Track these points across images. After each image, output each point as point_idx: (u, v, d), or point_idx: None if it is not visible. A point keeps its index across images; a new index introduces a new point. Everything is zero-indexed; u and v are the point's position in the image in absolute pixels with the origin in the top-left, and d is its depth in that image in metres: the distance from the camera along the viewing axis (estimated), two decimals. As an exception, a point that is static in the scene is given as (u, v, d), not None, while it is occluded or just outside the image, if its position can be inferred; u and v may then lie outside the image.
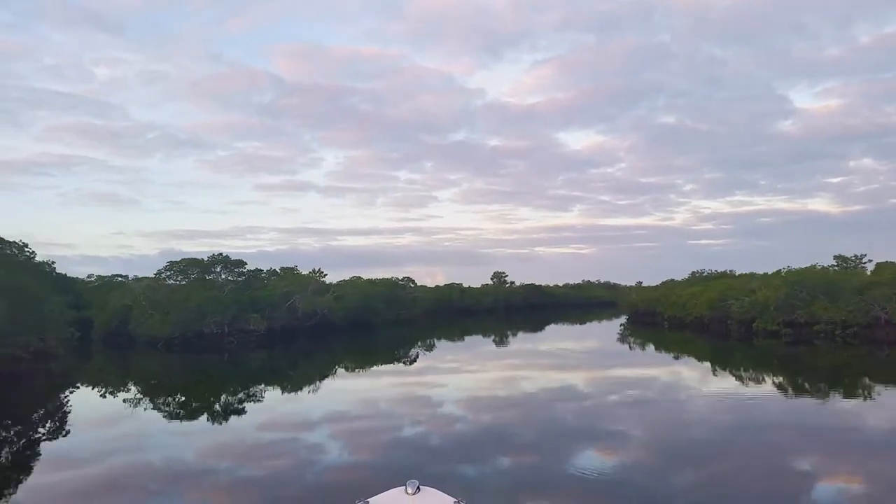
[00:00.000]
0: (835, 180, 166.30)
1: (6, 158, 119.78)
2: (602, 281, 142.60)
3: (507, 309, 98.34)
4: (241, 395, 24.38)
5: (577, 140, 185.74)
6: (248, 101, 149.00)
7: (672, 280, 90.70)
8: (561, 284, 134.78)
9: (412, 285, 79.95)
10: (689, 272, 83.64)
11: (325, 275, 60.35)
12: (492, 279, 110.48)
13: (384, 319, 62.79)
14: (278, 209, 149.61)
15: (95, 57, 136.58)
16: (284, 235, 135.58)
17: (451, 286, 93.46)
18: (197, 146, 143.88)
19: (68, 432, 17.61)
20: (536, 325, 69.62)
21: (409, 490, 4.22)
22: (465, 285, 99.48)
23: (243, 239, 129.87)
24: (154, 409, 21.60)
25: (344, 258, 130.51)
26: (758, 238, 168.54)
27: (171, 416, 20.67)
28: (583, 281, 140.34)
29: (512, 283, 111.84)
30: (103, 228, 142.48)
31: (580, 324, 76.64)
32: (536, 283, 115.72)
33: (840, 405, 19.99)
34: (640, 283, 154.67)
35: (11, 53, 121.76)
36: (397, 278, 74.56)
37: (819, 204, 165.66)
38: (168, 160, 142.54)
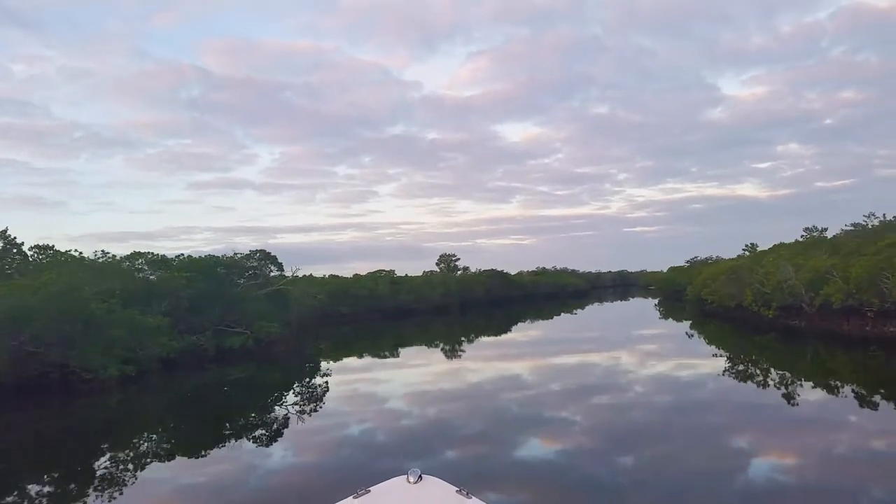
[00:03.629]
0: (762, 165, 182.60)
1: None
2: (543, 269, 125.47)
3: (463, 305, 76.17)
4: None
5: (515, 132, 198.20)
6: (177, 97, 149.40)
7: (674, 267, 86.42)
8: (523, 272, 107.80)
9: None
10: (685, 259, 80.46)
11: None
12: (438, 265, 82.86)
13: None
14: (212, 208, 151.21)
15: (12, 54, 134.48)
16: (220, 235, 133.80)
17: (375, 275, 65.77)
18: (125, 145, 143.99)
19: None
20: (547, 341, 48.60)
21: (411, 479, 3.94)
22: (403, 274, 71.75)
23: (177, 240, 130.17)
24: None
25: (283, 256, 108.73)
26: (690, 224, 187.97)
27: None
28: (537, 268, 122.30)
29: (465, 269, 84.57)
30: (29, 233, 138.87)
31: (605, 323, 57.20)
32: (498, 269, 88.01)
33: None
34: (644, 270, 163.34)
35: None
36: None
37: (748, 189, 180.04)
38: (95, 160, 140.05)
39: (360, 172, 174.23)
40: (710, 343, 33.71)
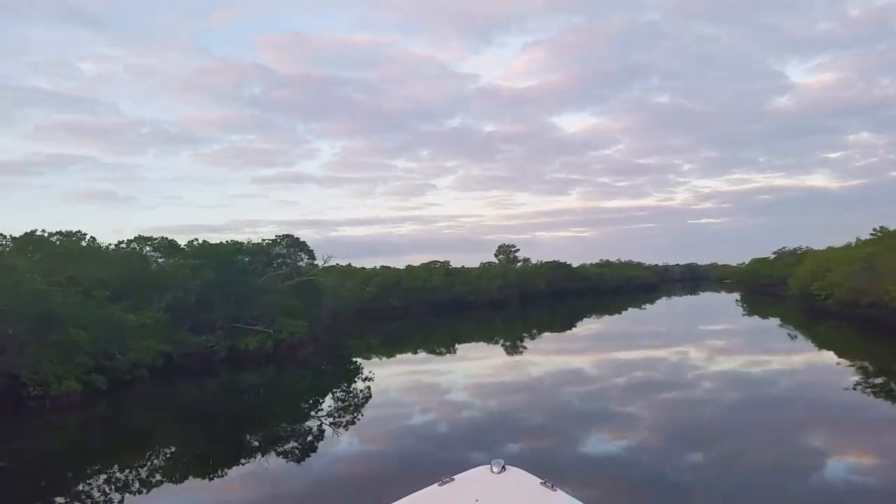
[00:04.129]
0: (833, 155, 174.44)
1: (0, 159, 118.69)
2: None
3: (523, 299, 69.74)
4: None
5: (572, 123, 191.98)
6: (239, 94, 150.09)
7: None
8: (585, 265, 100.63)
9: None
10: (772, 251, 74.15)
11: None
12: (497, 256, 76.88)
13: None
14: (276, 202, 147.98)
15: (81, 54, 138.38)
16: (284, 228, 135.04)
17: (429, 266, 60.40)
18: (191, 141, 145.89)
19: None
20: (622, 335, 39.66)
21: (495, 469, 3.79)
22: (456, 264, 66.30)
23: (242, 233, 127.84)
24: None
25: (345, 249, 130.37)
26: (758, 215, 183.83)
27: None
28: (601, 260, 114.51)
29: (525, 260, 78.14)
30: (101, 227, 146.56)
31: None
32: (561, 261, 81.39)
33: None
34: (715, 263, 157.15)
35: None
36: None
37: (818, 179, 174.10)
38: (162, 156, 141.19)
39: (418, 166, 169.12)
40: (823, 347, 27.39)
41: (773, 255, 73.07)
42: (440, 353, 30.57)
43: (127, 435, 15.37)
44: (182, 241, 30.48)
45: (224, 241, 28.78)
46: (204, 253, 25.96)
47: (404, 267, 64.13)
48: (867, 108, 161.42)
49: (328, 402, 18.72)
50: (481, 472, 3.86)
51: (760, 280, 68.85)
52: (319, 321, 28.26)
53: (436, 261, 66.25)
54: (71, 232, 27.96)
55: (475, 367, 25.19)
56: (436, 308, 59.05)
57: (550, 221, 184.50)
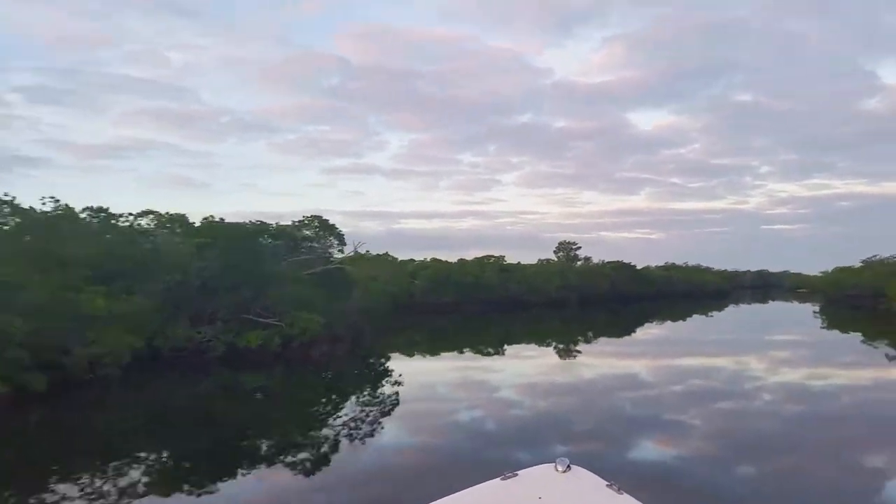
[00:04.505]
0: None
1: (89, 142, 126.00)
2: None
3: (582, 299, 64.53)
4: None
5: (648, 120, 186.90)
6: (317, 84, 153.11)
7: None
8: (650, 267, 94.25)
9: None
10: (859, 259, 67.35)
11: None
12: (556, 253, 71.97)
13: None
14: (344, 192, 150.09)
15: (171, 43, 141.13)
16: (349, 218, 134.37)
17: (483, 261, 56.14)
18: (267, 130, 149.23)
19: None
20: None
21: (560, 467, 3.74)
22: (515, 261, 61.79)
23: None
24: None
25: (407, 241, 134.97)
26: (835, 224, 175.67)
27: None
28: (666, 263, 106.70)
29: (587, 259, 73.05)
30: (178, 211, 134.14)
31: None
32: (626, 262, 75.86)
33: None
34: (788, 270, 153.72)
35: (94, 41, 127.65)
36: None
37: None
38: (240, 144, 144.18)
39: (484, 160, 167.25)
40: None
41: (861, 264, 65.71)
42: (488, 354, 27.81)
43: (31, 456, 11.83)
44: None
45: (248, 222, 25.51)
46: (212, 232, 22.48)
47: (456, 260, 60.24)
48: None
49: (332, 422, 14.76)
50: (546, 469, 3.79)
51: (846, 290, 61.59)
52: (345, 316, 24.43)
53: (490, 255, 61.99)
54: (100, 208, 25.19)
55: (525, 368, 23.31)
56: (489, 305, 54.85)
57: (616, 222, 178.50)
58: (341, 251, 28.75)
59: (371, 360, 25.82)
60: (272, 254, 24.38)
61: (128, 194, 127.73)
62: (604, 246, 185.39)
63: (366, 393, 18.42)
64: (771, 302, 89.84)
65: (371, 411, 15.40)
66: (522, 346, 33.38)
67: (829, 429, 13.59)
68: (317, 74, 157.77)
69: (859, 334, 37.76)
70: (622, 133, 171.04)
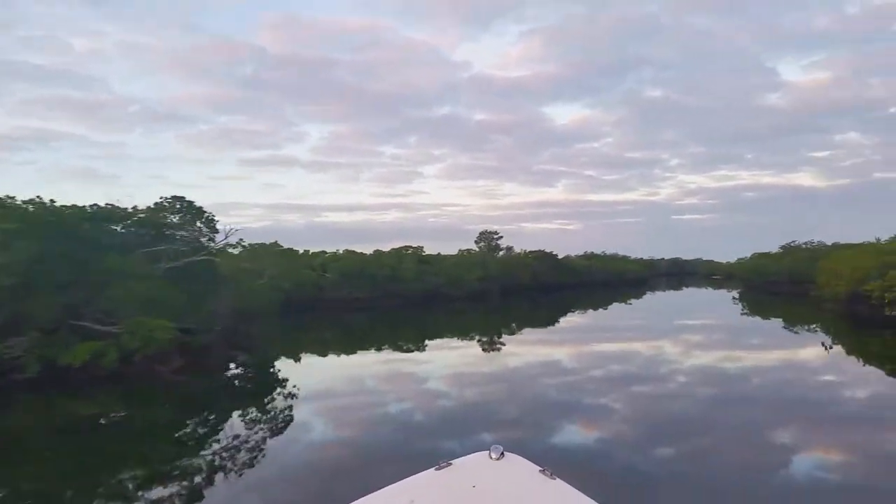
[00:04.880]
0: (820, 154, 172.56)
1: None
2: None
3: (505, 290, 61.15)
4: None
5: (564, 114, 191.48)
6: (231, 73, 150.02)
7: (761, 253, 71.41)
8: (571, 257, 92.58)
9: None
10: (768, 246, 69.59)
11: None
12: (477, 243, 68.63)
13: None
14: (262, 185, 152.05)
15: (74, 28, 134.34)
16: (269, 212, 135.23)
17: (400, 252, 52.25)
18: (178, 120, 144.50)
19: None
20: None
21: (493, 455, 3.79)
22: (435, 252, 57.93)
23: (227, 215, 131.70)
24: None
25: (329, 234, 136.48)
26: (742, 213, 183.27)
27: None
28: (585, 253, 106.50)
29: (509, 249, 69.99)
30: (82, 205, 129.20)
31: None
32: (547, 251, 73.33)
33: None
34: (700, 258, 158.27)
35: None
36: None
37: (804, 178, 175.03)
38: (149, 134, 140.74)
39: (405, 153, 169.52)
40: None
41: (780, 250, 65.41)
42: (409, 350, 25.80)
43: None
44: None
45: (90, 206, 20.20)
46: (27, 217, 17.21)
47: (372, 252, 55.75)
48: (857, 109, 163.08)
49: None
50: (480, 457, 3.82)
51: (767, 277, 60.92)
52: (215, 318, 19.69)
53: (408, 246, 57.89)
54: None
55: (449, 360, 22.22)
56: (407, 300, 50.77)
57: (536, 213, 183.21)
58: (212, 240, 23.72)
59: (259, 367, 21.43)
60: (122, 245, 19.36)
61: (26, 188, 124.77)
62: (525, 237, 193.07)
63: (252, 405, 15.37)
64: (686, 289, 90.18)
65: (257, 426, 13.27)
66: (444, 340, 30.88)
67: (743, 409, 13.76)
68: (230, 63, 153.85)
69: (780, 320, 36.09)
70: (539, 126, 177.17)
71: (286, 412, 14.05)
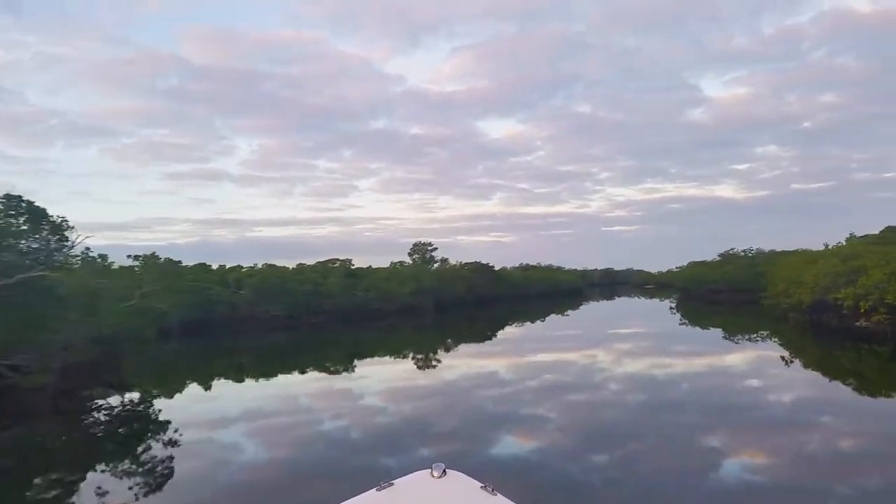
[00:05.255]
0: (741, 167, 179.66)
1: None
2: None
3: (440, 304, 57.11)
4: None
5: (497, 129, 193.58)
6: (155, 85, 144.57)
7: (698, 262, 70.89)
8: (506, 269, 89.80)
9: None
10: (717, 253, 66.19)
11: None
12: (411, 255, 64.57)
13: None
14: (190, 199, 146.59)
15: None
16: (197, 227, 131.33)
17: (325, 266, 47.80)
18: (101, 134, 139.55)
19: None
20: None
21: (435, 473, 3.74)
22: (366, 265, 53.56)
23: (153, 231, 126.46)
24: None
25: (262, 249, 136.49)
26: (667, 224, 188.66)
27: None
28: (521, 265, 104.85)
29: (444, 261, 66.25)
30: None
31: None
32: (484, 263, 69.97)
33: None
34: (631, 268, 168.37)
35: None
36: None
37: (726, 190, 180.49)
38: (71, 149, 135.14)
39: (340, 166, 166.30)
40: None
41: (718, 258, 63.96)
42: (336, 372, 23.57)
43: None
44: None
45: None
46: None
47: (295, 266, 50.83)
48: (775, 123, 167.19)
49: None
50: (422, 476, 3.82)
51: (707, 285, 59.14)
52: (60, 350, 14.75)
53: (336, 259, 53.21)
54: None
55: (383, 381, 20.45)
56: (333, 316, 46.13)
57: (472, 226, 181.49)
58: (58, 252, 18.50)
59: (124, 407, 16.64)
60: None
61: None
62: (461, 250, 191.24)
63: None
64: (618, 298, 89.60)
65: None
66: (375, 359, 28.08)
67: (677, 416, 13.66)
68: (155, 75, 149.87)
69: (720, 330, 33.56)
70: (474, 141, 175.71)
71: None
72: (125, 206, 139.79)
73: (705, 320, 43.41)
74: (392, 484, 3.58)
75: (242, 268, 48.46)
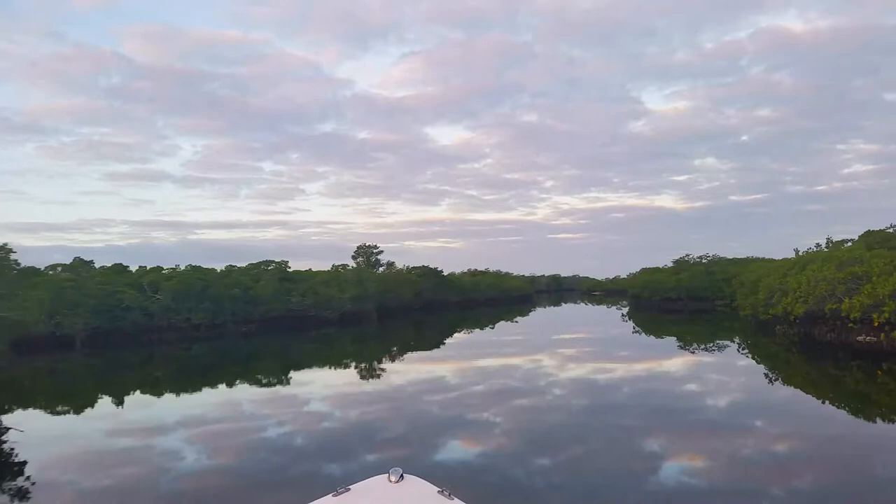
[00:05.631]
0: (680, 178, 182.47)
1: None
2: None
3: (385, 311, 51.65)
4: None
5: (446, 135, 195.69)
6: (95, 83, 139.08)
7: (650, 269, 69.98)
8: (455, 274, 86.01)
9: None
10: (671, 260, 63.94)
11: None
12: (355, 259, 60.11)
13: None
14: (129, 200, 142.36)
15: None
16: (137, 229, 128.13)
17: (258, 268, 43.14)
18: (38, 131, 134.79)
19: None
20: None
21: (393, 478, 3.77)
22: (304, 269, 48.78)
23: (90, 232, 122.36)
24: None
25: (204, 253, 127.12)
26: (611, 232, 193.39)
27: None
28: (469, 270, 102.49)
29: (390, 264, 62.04)
30: None
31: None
32: (432, 266, 66.11)
33: None
34: (577, 275, 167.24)
35: None
36: None
37: (666, 200, 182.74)
38: (5, 146, 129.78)
39: (287, 169, 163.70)
40: None
41: (672, 264, 61.45)
42: (269, 385, 21.01)
43: None
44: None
45: None
46: None
47: (223, 268, 45.52)
48: (713, 136, 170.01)
49: None
50: (379, 481, 3.77)
51: (663, 293, 56.49)
52: None
53: (269, 260, 48.11)
54: None
55: (325, 392, 18.68)
56: (264, 326, 41.27)
57: (420, 231, 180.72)
58: None
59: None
60: None
61: None
62: (409, 255, 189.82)
63: None
64: (566, 304, 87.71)
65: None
66: (315, 370, 25.19)
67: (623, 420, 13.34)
68: (96, 73, 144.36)
69: (694, 343, 30.37)
70: (423, 146, 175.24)
71: None
72: (62, 206, 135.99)
73: (663, 331, 40.46)
74: (349, 489, 3.58)
75: (163, 269, 43.04)
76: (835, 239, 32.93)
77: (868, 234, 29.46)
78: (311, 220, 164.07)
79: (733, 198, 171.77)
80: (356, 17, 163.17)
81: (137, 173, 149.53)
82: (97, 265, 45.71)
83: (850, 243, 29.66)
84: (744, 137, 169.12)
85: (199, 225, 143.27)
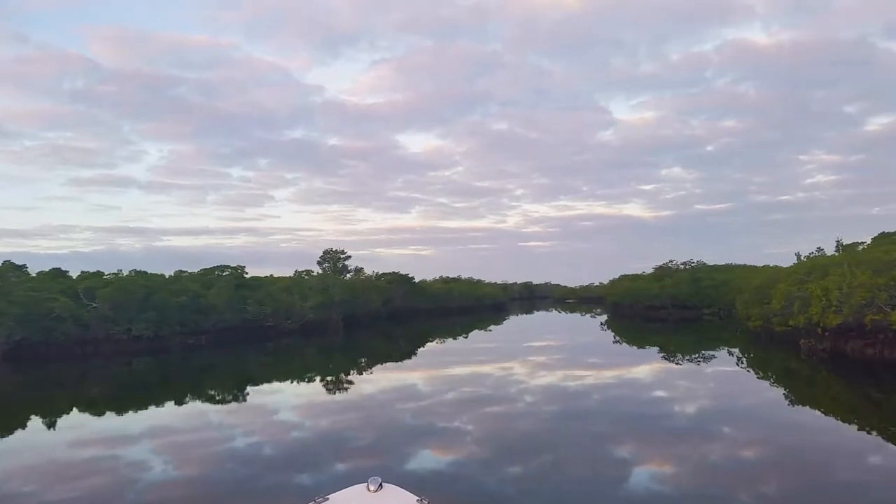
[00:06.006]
0: (647, 187, 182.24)
1: None
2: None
3: (351, 320, 48.11)
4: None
5: (416, 142, 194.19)
6: (59, 87, 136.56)
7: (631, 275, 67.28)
8: (426, 281, 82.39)
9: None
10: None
11: None
12: (321, 264, 55.98)
13: None
14: (94, 206, 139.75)
15: None
16: (101, 235, 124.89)
17: (212, 273, 38.91)
18: (0, 135, 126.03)
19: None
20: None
21: (372, 487, 3.79)
22: (263, 274, 44.52)
23: (54, 239, 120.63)
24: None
25: (170, 259, 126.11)
26: (579, 240, 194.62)
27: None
28: (440, 277, 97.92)
29: (358, 270, 58.02)
30: None
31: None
32: (402, 273, 62.19)
33: None
34: (549, 282, 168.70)
35: None
36: None
37: (633, 209, 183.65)
38: None
39: (255, 175, 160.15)
40: None
41: (654, 270, 58.54)
42: (224, 401, 19.17)
43: None
44: None
45: None
46: None
47: (172, 274, 41.03)
48: (679, 146, 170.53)
49: None
50: (358, 490, 3.70)
51: (641, 301, 53.36)
52: None
53: (224, 266, 43.73)
54: None
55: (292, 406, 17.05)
56: (218, 337, 36.99)
57: (391, 238, 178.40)
58: None
59: None
60: None
61: None
62: (379, 262, 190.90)
63: None
64: (539, 312, 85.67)
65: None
66: (274, 385, 22.74)
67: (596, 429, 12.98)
68: (60, 76, 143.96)
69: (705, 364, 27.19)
70: (393, 154, 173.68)
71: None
72: (25, 212, 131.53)
73: (646, 341, 37.31)
74: (327, 499, 3.62)
75: (104, 274, 38.52)
76: (826, 245, 30.28)
77: (883, 237, 26.64)
78: (281, 226, 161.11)
79: (699, 206, 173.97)
80: (327, 24, 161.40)
81: (102, 179, 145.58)
82: (66, 272, 40.98)
83: (862, 246, 26.77)
84: (709, 147, 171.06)
85: (166, 231, 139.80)
